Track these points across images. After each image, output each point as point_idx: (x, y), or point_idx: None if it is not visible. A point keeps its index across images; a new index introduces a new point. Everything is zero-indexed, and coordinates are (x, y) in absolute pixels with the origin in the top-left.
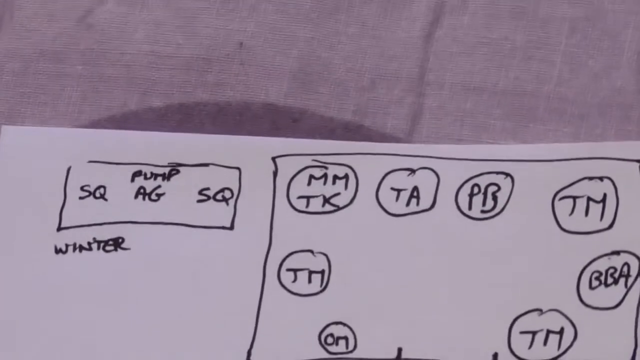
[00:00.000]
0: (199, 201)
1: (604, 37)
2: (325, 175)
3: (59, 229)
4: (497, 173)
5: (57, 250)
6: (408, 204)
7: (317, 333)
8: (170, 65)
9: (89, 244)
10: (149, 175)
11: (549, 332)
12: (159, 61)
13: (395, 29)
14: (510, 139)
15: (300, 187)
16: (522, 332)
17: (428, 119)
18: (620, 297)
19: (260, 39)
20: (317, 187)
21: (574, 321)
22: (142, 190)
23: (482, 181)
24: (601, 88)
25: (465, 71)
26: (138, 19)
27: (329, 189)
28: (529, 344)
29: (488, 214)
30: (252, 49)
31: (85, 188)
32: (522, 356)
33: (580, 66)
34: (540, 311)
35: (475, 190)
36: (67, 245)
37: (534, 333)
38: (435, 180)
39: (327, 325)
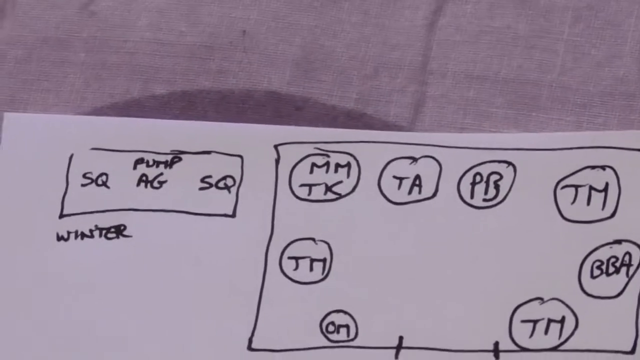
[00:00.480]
0: (201, 189)
1: (607, 26)
2: (327, 164)
3: (61, 216)
4: (500, 162)
5: (59, 238)
6: (410, 192)
7: (319, 321)
8: (173, 53)
9: (91, 231)
10: (151, 162)
11: (550, 321)
12: (161, 49)
13: (398, 18)
14: (512, 128)
15: (302, 175)
16: (523, 321)
17: (430, 107)
18: (622, 286)
19: (263, 27)
20: (319, 175)
21: (575, 310)
22: (144, 178)
23: (484, 170)
24: (604, 77)
25: (468, 60)
26: (141, 7)
27: (331, 177)
28: (530, 332)
29: (490, 203)
30: (255, 37)
31: (88, 175)
32: (523, 345)
33: (583, 55)
34: (541, 300)
35: (478, 178)
36: (69, 233)
37: (535, 322)
38: (438, 168)
39: (329, 313)
